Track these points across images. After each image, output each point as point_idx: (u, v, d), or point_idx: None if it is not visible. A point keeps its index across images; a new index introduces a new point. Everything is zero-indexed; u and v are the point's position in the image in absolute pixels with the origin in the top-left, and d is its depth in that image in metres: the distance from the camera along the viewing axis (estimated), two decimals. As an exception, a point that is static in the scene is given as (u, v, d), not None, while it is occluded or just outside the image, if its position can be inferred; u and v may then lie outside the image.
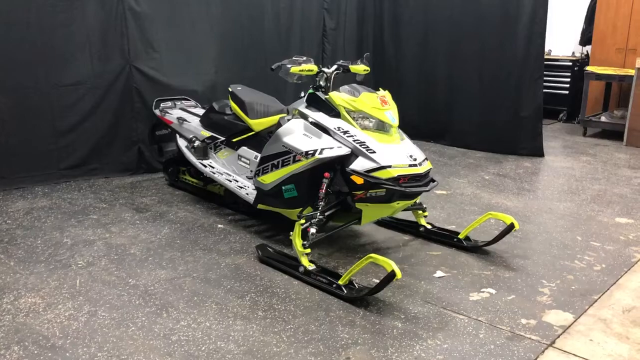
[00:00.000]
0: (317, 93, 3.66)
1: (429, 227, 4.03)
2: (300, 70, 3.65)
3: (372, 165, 3.30)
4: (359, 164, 3.33)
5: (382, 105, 3.48)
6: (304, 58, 3.75)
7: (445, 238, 3.93)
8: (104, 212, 4.37)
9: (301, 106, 3.72)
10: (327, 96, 3.58)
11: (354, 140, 3.39)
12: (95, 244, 3.80)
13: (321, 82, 3.78)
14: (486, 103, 6.59)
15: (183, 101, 5.19)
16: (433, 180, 3.55)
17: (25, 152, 4.89)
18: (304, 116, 3.64)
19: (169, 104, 5.08)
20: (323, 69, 3.80)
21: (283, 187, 3.60)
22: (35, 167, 4.95)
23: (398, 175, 3.28)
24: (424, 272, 3.50)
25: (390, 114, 3.49)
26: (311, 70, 3.70)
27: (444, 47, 6.86)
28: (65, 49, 4.90)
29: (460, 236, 3.88)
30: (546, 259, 3.73)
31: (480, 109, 6.65)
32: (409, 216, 4.16)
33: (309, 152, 3.44)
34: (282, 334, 2.78)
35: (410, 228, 4.11)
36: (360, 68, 3.97)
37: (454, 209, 4.69)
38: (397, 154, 3.37)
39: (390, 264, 2.92)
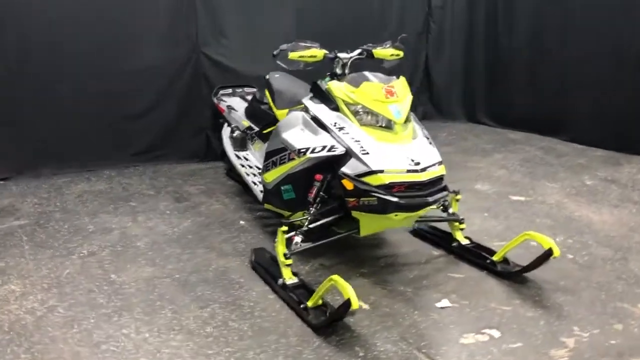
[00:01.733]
0: (318, 82, 3.23)
1: (464, 242, 3.40)
2: (300, 57, 3.23)
3: (363, 168, 2.82)
4: (351, 167, 2.88)
5: (386, 97, 2.94)
6: (316, 44, 3.32)
7: (479, 258, 3.28)
8: (144, 200, 4.38)
9: (306, 97, 3.31)
10: (327, 86, 3.13)
11: (349, 138, 2.92)
12: (112, 232, 3.79)
13: (337, 70, 3.33)
14: (611, 91, 5.47)
15: (245, 88, 5.01)
16: (444, 189, 2.94)
17: (97, 136, 5.06)
18: (306, 109, 3.24)
19: (229, 91, 4.93)
20: (339, 54, 3.34)
21: (282, 188, 3.26)
22: (106, 151, 5.13)
23: (390, 183, 2.76)
24: (426, 299, 2.93)
25: (395, 107, 2.94)
26: (314, 57, 3.26)
27: (561, 23, 5.82)
28: (134, 35, 4.98)
29: (494, 258, 3.20)
30: (599, 297, 2.93)
31: (604, 99, 5.54)
32: (447, 227, 3.55)
33: (302, 150, 3.05)
34: (212, 357, 2.47)
35: (444, 242, 3.50)
36: (386, 53, 3.44)
37: (520, 220, 3.93)
38: (395, 156, 2.83)
39: (348, 291, 2.45)
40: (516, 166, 5.14)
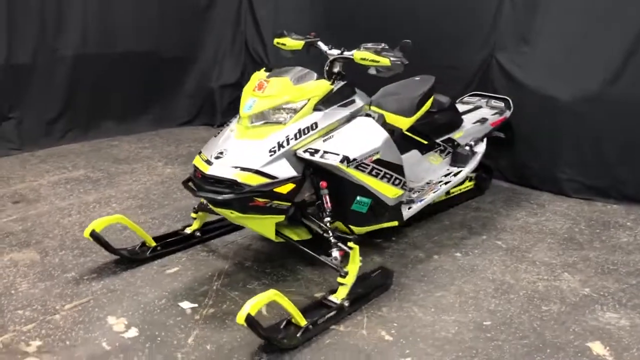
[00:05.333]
0: None
1: (333, 299, 2.42)
2: (276, 43, 3.16)
3: None
4: None
5: (254, 89, 2.62)
6: (299, 36, 3.07)
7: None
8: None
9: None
10: None
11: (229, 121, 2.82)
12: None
13: (325, 67, 2.90)
14: None
15: (492, 100, 4.00)
16: (226, 194, 2.38)
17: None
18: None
19: (474, 99, 4.09)
20: (329, 50, 2.91)
21: None
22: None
23: (193, 164, 2.58)
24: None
25: (251, 101, 2.57)
26: (283, 45, 3.10)
27: None
28: (451, 33, 4.29)
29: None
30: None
31: None
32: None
33: None
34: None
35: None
36: (356, 55, 2.77)
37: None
38: (216, 143, 2.59)
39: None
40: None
